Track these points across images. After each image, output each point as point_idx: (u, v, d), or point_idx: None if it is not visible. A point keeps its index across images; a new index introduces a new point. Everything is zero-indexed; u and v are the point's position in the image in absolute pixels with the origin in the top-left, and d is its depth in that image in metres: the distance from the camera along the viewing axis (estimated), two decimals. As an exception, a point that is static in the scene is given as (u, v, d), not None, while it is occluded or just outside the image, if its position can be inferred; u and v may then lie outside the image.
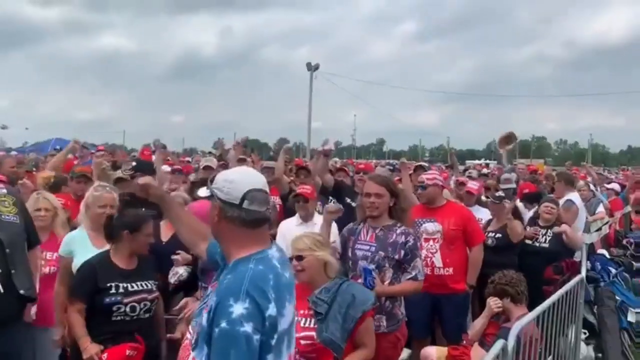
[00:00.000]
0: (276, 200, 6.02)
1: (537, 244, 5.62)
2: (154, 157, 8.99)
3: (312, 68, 35.55)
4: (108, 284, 3.29)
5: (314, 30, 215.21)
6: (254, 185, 1.95)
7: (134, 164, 6.41)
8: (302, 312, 2.99)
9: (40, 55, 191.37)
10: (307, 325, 2.97)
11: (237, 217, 1.93)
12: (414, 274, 3.61)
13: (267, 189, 2.01)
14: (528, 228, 5.76)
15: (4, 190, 3.13)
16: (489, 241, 5.42)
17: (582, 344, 5.16)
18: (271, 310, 1.81)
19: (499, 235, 5.49)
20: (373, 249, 3.64)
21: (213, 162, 6.86)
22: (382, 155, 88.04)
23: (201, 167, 6.94)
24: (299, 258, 3.07)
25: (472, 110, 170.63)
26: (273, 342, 1.81)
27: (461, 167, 14.03)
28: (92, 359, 3.12)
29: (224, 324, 1.74)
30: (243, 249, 1.94)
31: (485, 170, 13.29)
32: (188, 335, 1.99)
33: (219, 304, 1.80)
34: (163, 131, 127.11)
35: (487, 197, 6.66)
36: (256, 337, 1.75)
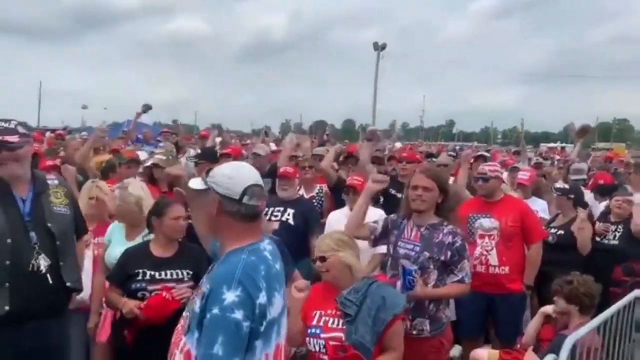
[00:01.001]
0: (324, 188, 5.90)
1: (606, 241, 5.17)
2: (211, 138, 9.03)
3: (378, 48, 35.08)
4: (136, 271, 3.31)
5: (386, 8, 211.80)
6: (252, 181, 2.03)
7: (199, 151, 6.42)
8: (329, 312, 2.92)
9: (119, 38, 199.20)
10: (335, 325, 2.88)
11: (237, 212, 2.00)
12: (460, 276, 3.38)
13: (262, 183, 2.10)
14: (598, 224, 5.35)
15: (56, 181, 3.09)
16: (550, 238, 5.07)
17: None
18: (261, 298, 1.90)
19: (561, 232, 5.10)
20: (417, 248, 3.43)
21: (263, 150, 6.75)
22: (451, 137, 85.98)
23: (251, 153, 6.74)
24: (322, 259, 2.98)
25: (550, 90, 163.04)
26: (262, 328, 1.91)
27: (531, 154, 13.39)
28: (131, 311, 3.20)
29: (215, 310, 1.83)
30: (238, 241, 2.02)
31: (557, 157, 12.62)
32: (181, 321, 2.04)
33: (212, 291, 1.88)
34: (232, 112, 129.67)
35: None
36: (246, 324, 1.85)
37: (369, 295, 2.86)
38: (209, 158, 5.71)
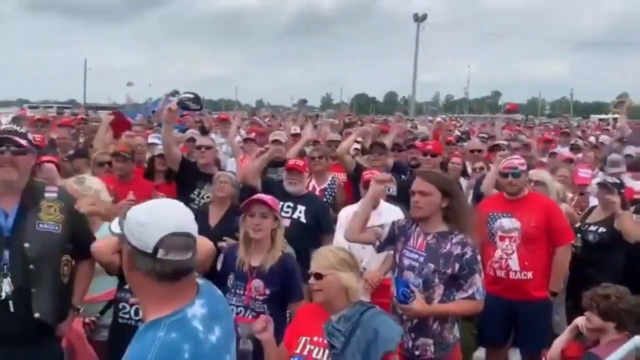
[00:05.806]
0: (341, 177, 5.51)
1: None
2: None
3: (419, 19, 34.15)
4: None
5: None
6: (172, 229, 1.57)
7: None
8: (316, 339, 2.57)
9: (166, 15, 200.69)
10: (319, 356, 2.53)
11: (151, 270, 1.57)
12: (470, 292, 2.97)
13: (192, 229, 1.64)
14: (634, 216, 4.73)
15: (54, 195, 2.78)
16: (590, 237, 4.54)
17: None
18: None
19: (602, 229, 4.52)
20: (422, 259, 3.04)
21: (282, 136, 6.27)
22: (497, 109, 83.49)
23: (270, 141, 6.09)
24: (318, 276, 2.59)
25: (603, 59, 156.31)
26: None
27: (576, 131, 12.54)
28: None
29: None
30: (157, 307, 1.61)
31: (602, 137, 11.68)
32: None
33: None
34: (275, 87, 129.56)
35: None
36: None
37: (361, 326, 2.50)
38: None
